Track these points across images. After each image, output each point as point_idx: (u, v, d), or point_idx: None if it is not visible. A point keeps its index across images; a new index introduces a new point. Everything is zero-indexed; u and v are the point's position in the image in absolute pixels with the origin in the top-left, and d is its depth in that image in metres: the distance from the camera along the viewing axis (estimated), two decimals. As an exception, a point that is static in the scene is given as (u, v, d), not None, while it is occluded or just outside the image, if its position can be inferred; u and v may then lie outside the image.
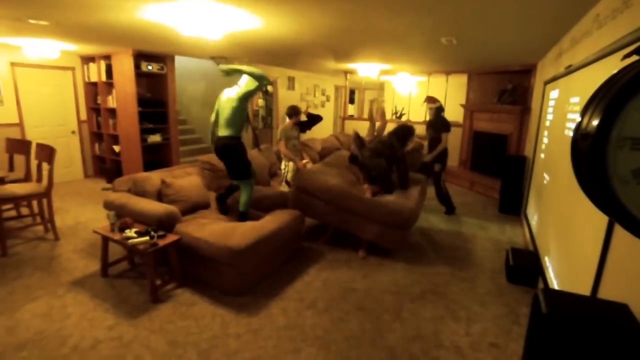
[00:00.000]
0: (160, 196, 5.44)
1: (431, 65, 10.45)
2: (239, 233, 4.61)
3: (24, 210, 6.96)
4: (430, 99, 7.94)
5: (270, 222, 5.15)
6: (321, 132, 14.22)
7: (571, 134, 1.67)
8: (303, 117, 7.57)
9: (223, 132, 5.37)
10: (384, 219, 5.60)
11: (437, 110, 7.83)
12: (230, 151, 5.40)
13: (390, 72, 12.39)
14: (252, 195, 5.54)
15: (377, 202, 5.71)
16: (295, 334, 3.93)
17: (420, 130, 9.20)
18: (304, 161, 7.52)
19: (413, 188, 6.45)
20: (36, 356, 3.50)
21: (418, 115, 12.59)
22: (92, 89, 10.27)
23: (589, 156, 1.43)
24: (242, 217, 5.42)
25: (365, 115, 15.37)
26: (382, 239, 5.72)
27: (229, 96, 5.31)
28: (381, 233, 5.68)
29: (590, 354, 1.85)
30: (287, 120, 7.44)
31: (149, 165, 8.95)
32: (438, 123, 7.81)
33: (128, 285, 4.79)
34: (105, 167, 10.42)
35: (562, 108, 4.73)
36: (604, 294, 2.57)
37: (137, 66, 8.87)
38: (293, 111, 7.44)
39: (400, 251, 6.00)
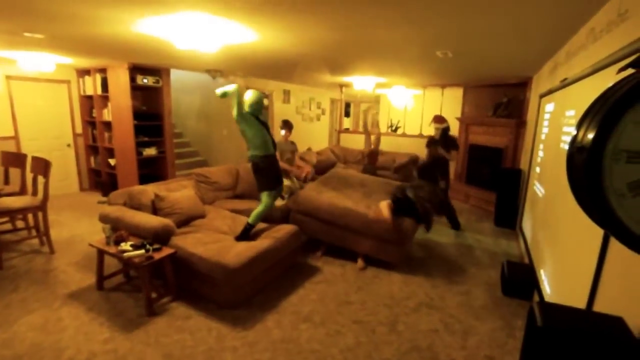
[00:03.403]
0: (155, 209, 5.44)
1: (427, 78, 10.48)
2: (234, 250, 4.63)
3: (20, 224, 6.94)
4: (438, 119, 7.84)
5: (267, 238, 5.18)
6: (316, 145, 14.25)
7: (567, 147, 1.67)
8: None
9: (250, 150, 5.54)
10: (380, 235, 5.69)
11: (445, 130, 7.72)
12: (254, 168, 5.57)
13: (385, 85, 12.40)
14: (267, 210, 5.56)
15: (373, 219, 5.76)
16: (291, 347, 3.92)
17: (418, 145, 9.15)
18: (304, 169, 7.55)
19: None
20: (30, 370, 3.49)
21: (413, 128, 12.59)
22: (87, 102, 10.27)
23: (585, 169, 1.43)
24: (246, 230, 5.37)
25: (360, 128, 15.37)
26: (380, 253, 5.85)
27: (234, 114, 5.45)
28: (379, 248, 5.80)
29: (586, 367, 1.85)
30: (281, 133, 7.49)
31: (144, 179, 8.96)
32: (446, 142, 7.66)
33: (123, 299, 4.77)
34: (101, 180, 10.42)
35: (557, 121, 4.75)
36: (600, 307, 2.57)
37: (132, 79, 8.88)
38: (286, 125, 7.48)
39: (400, 264, 5.99)
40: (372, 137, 8.97)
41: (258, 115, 5.43)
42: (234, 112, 5.18)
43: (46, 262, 5.79)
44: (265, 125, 5.50)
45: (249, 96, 5.36)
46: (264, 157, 5.46)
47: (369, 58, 7.03)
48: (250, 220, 5.41)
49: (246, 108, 5.32)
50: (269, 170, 5.54)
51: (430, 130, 8.06)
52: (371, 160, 9.09)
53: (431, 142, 7.85)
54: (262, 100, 5.48)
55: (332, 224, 6.02)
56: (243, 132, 5.36)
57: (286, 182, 7.37)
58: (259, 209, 5.47)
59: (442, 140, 7.70)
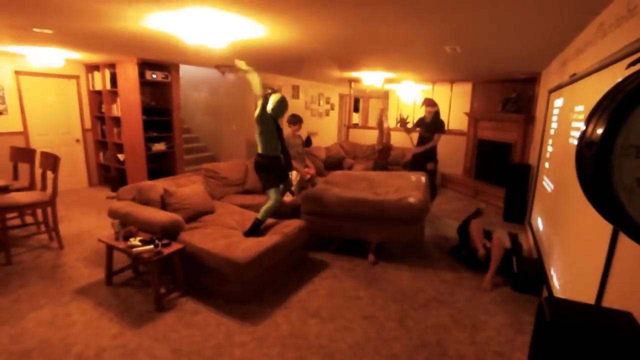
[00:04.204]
0: (164, 205, 5.45)
1: (435, 73, 10.47)
2: (243, 246, 4.64)
3: (29, 219, 6.98)
4: (429, 102, 8.04)
5: (275, 233, 5.19)
6: (326, 140, 14.23)
7: (576, 142, 1.66)
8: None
9: (258, 148, 5.55)
10: (394, 216, 5.67)
11: (436, 114, 7.96)
12: (257, 167, 5.59)
13: (394, 80, 12.39)
14: (277, 206, 5.53)
15: (384, 201, 5.76)
16: (300, 342, 3.93)
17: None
18: (307, 169, 7.53)
19: (419, 178, 6.81)
20: (40, 364, 3.51)
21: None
22: (96, 97, 10.31)
23: (594, 164, 1.42)
24: (255, 226, 5.35)
25: (369, 124, 15.30)
26: (396, 236, 5.89)
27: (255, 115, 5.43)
28: (394, 231, 5.80)
29: (595, 362, 1.84)
30: (289, 128, 7.45)
31: (153, 174, 8.99)
32: (433, 125, 7.91)
33: (132, 294, 4.79)
34: (110, 175, 10.45)
35: (566, 116, 4.73)
36: (608, 302, 2.56)
37: (141, 75, 8.91)
38: (295, 119, 7.44)
39: (418, 244, 6.07)
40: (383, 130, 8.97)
41: (278, 118, 5.43)
42: (257, 112, 5.27)
43: (55, 257, 5.82)
44: (279, 130, 5.51)
45: (275, 99, 5.28)
46: (266, 157, 5.47)
47: (378, 53, 7.01)
48: (259, 216, 5.40)
49: (269, 110, 5.26)
50: (269, 169, 5.53)
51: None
52: (383, 156, 9.07)
53: (420, 123, 8.15)
54: (286, 105, 5.35)
55: (343, 217, 5.96)
56: (260, 133, 5.39)
57: (296, 175, 7.33)
58: (268, 204, 5.45)
59: (429, 123, 7.89)
